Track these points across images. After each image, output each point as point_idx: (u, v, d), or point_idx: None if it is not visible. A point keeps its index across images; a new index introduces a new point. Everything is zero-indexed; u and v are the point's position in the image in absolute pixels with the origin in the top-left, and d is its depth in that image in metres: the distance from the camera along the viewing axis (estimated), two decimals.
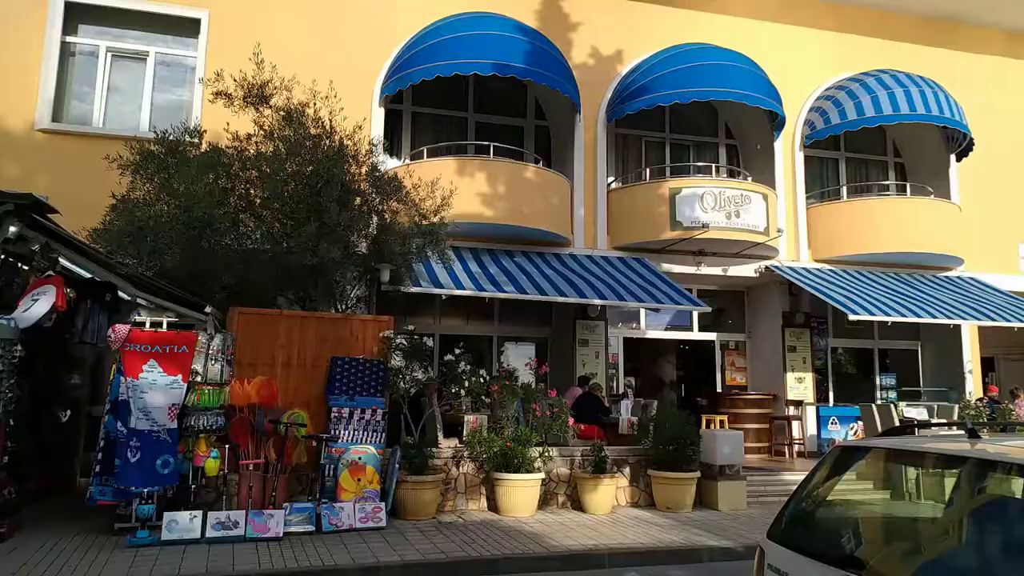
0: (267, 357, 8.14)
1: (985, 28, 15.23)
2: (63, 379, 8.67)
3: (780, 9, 13.93)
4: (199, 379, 7.28)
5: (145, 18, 11.02)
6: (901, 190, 14.35)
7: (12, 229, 6.57)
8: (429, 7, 11.93)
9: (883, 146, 15.01)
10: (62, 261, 7.16)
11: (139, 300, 8.72)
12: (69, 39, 10.75)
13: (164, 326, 10.27)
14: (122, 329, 7.08)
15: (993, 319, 11.79)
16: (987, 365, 15.41)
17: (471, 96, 13.03)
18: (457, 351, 9.30)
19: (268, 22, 11.17)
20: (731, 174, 13.64)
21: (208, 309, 7.78)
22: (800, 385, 13.02)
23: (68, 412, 8.69)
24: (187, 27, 11.14)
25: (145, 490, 6.80)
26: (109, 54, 10.98)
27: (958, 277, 13.73)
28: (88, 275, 7.81)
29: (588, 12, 12.95)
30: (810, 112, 13.59)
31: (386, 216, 9.41)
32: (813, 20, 14.12)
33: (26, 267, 6.95)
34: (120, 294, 8.27)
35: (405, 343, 8.79)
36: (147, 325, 10.20)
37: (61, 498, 8.31)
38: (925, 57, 14.56)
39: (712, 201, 11.75)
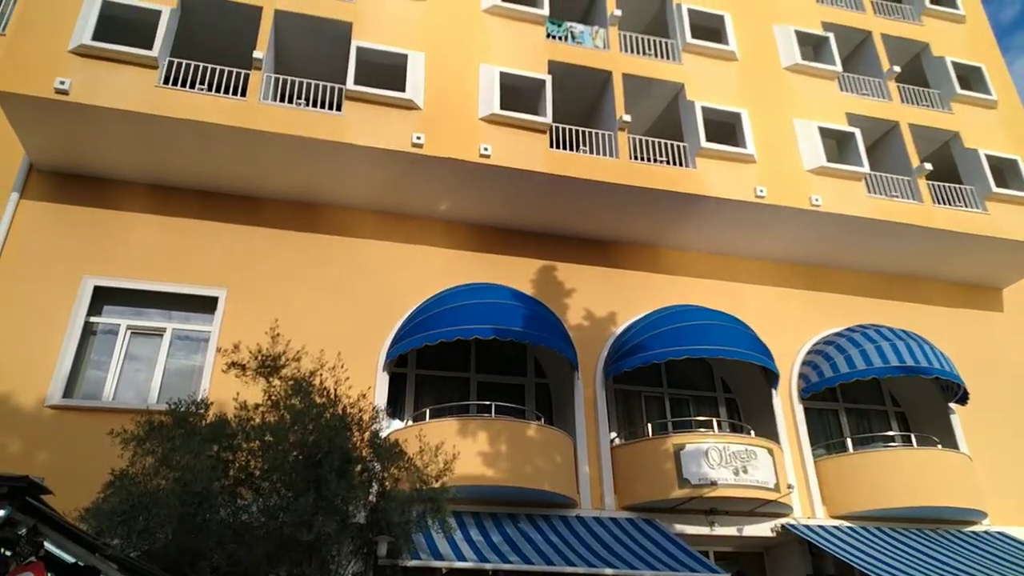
0: None
1: (961, 285, 16.22)
2: None
3: (759, 273, 14.97)
4: None
5: (167, 298, 11.79)
6: (906, 440, 14.22)
7: (1, 513, 6.43)
8: (432, 280, 12.83)
9: (880, 396, 15.19)
10: (46, 545, 6.88)
11: None
12: (93, 319, 11.40)
13: None
14: None
15: None
16: None
17: (473, 358, 13.47)
18: None
19: (281, 296, 11.93)
20: (733, 428, 13.63)
21: None
22: None
23: None
24: (205, 304, 11.87)
25: None
26: (129, 331, 11.58)
27: (985, 532, 13.07)
28: (72, 560, 7.45)
29: (580, 279, 13.90)
30: (802, 366, 13.99)
31: (386, 484, 9.22)
32: (791, 281, 15.10)
33: (8, 552, 6.65)
34: None
35: None
36: None
37: None
38: (906, 312, 15.32)
39: (718, 457, 11.60)
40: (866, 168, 14.53)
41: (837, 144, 15.34)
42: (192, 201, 12.39)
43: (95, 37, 11.22)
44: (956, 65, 16.81)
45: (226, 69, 12.04)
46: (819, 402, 14.39)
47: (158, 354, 11.51)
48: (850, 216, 14.06)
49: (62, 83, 10.72)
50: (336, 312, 12.18)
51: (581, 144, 13.98)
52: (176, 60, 11.82)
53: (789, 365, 13.93)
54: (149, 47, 11.41)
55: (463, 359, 13.40)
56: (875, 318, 14.80)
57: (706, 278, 14.61)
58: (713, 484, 11.31)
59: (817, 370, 13.64)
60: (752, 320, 13.50)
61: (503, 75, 13.21)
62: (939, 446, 13.54)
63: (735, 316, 13.32)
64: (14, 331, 10.69)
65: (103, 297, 11.55)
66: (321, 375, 9.37)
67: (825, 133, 14.94)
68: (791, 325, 14.48)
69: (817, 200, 13.90)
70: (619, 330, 13.51)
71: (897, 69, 16.26)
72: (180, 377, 11.44)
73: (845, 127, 15.17)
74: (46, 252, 11.37)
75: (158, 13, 11.79)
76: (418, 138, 12.06)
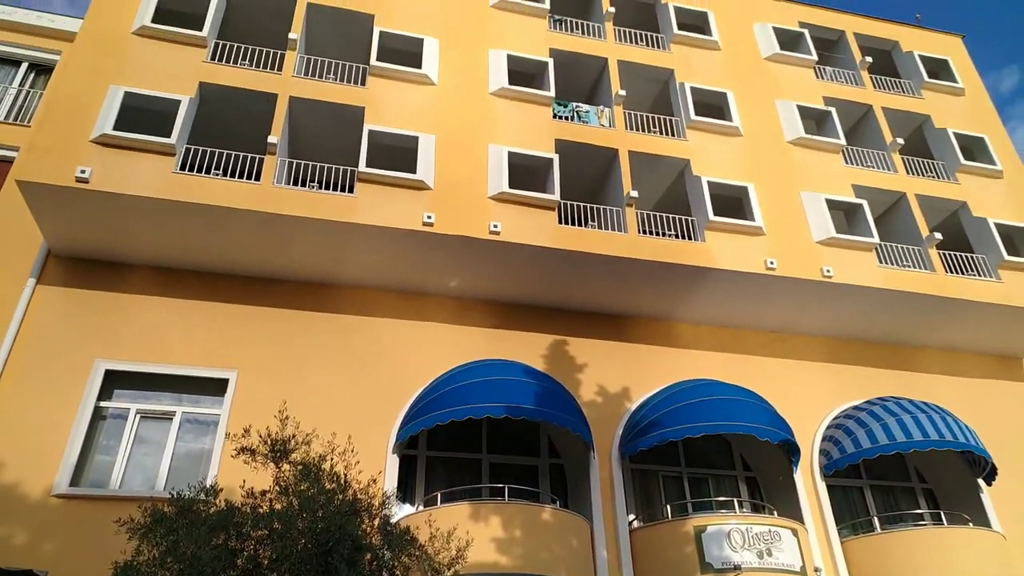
0: None
1: (980, 354, 15.94)
2: None
3: (773, 346, 14.80)
4: None
5: (177, 380, 11.73)
6: (936, 519, 13.69)
7: None
8: (443, 357, 12.73)
9: (906, 472, 14.73)
10: None
11: None
12: (103, 403, 11.31)
13: None
14: None
15: None
16: None
17: (484, 438, 13.21)
18: None
19: (291, 377, 11.83)
20: (755, 508, 13.20)
21: None
22: None
23: None
24: (215, 387, 11.79)
25: None
26: (138, 415, 11.47)
27: None
28: None
29: (592, 355, 13.75)
30: (823, 441, 13.64)
31: (396, 572, 8.90)
32: (806, 354, 14.90)
33: None
34: None
35: None
36: None
37: None
38: (926, 383, 15.03)
39: (740, 539, 11.18)
40: (876, 239, 14.49)
41: (845, 215, 15.39)
42: (204, 283, 12.48)
43: (116, 127, 11.57)
44: (958, 136, 17.00)
45: (241, 154, 12.34)
46: (842, 479, 13.96)
47: (167, 438, 11.36)
48: (862, 287, 13.97)
49: (83, 172, 10.99)
50: (346, 392, 12.06)
51: (590, 220, 14.11)
52: (192, 147, 12.14)
53: (809, 441, 13.59)
54: (167, 134, 11.73)
55: (474, 439, 13.15)
56: (895, 390, 14.53)
57: (720, 351, 14.44)
58: (737, 568, 10.87)
59: (839, 446, 13.29)
60: (768, 394, 13.26)
61: (511, 154, 13.46)
62: (970, 524, 13.03)
63: (751, 390, 13.09)
64: (25, 418, 10.61)
65: (114, 381, 11.49)
66: (331, 459, 9.19)
67: (833, 205, 14.99)
68: (809, 399, 14.20)
69: (828, 271, 13.84)
70: (634, 406, 13.28)
71: (900, 141, 16.45)
72: (189, 461, 11.26)
73: (852, 199, 15.23)
74: (59, 337, 11.39)
75: (177, 102, 12.19)
76: (429, 217, 12.21)
